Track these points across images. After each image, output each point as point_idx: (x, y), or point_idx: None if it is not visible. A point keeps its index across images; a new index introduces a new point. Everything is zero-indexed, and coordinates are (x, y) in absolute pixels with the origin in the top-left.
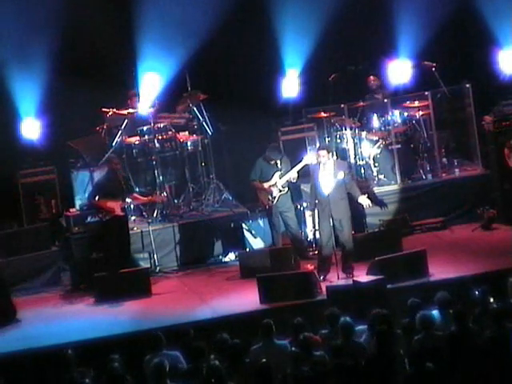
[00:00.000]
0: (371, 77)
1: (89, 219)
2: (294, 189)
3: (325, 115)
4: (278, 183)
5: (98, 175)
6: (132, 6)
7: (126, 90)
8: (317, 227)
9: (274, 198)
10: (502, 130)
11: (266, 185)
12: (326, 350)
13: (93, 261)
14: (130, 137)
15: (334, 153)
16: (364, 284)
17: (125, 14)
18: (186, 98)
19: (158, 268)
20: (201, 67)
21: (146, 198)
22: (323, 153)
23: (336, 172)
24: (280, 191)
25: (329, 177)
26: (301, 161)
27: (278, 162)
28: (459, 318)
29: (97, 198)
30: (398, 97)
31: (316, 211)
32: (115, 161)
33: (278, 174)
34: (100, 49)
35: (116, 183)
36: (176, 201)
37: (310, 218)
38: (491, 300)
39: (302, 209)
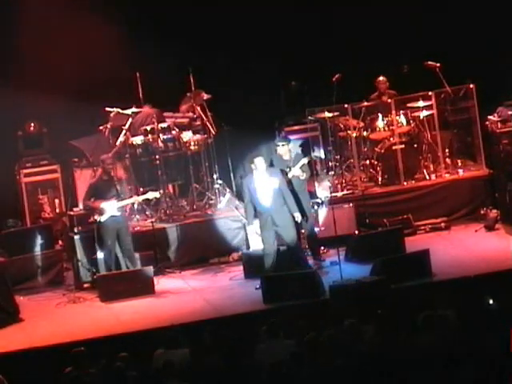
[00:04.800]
0: (381, 78)
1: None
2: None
3: (328, 115)
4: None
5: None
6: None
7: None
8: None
9: None
10: (506, 131)
11: None
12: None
13: (96, 260)
14: (133, 136)
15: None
16: (367, 284)
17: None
18: (189, 98)
19: (161, 267)
20: (205, 67)
21: (139, 197)
22: (259, 160)
23: (270, 180)
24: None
25: (265, 186)
26: (305, 156)
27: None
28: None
29: (92, 199)
30: (402, 97)
31: (257, 222)
32: (108, 161)
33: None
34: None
35: (109, 184)
36: (179, 201)
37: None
38: (491, 301)
39: (315, 207)
